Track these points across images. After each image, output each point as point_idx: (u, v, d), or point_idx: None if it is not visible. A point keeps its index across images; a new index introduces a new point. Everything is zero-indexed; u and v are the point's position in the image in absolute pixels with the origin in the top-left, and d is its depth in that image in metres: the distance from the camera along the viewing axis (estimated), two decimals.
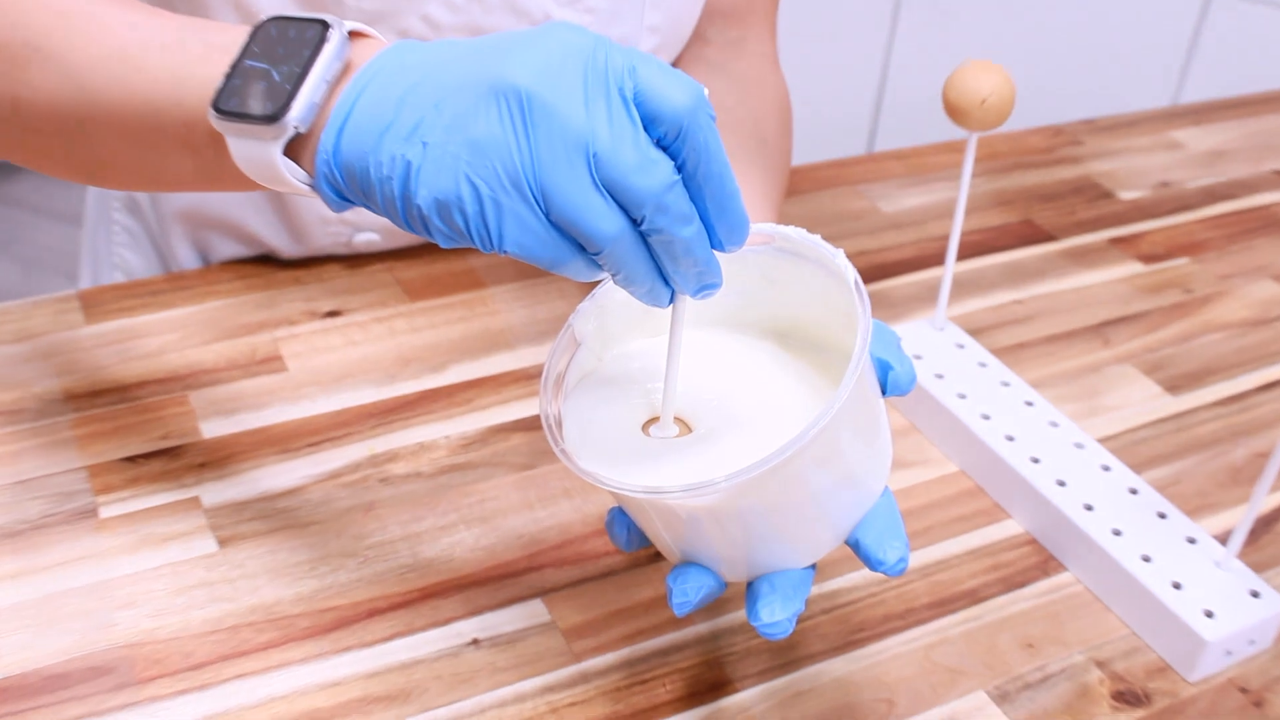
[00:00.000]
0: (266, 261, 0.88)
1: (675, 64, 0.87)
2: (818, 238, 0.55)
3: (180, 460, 0.71)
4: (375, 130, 0.47)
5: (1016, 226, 1.01)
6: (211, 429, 0.73)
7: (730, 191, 0.48)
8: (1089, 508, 0.70)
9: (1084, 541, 0.68)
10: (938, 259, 0.95)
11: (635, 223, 0.47)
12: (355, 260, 0.89)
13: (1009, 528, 0.72)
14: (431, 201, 0.46)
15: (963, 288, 0.92)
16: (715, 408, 0.55)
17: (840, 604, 0.66)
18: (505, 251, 0.47)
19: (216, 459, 0.71)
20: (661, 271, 0.49)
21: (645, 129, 0.46)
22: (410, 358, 0.80)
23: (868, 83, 1.54)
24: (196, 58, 0.52)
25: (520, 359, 0.81)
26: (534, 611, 0.64)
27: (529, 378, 0.79)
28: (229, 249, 0.89)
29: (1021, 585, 0.69)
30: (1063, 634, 0.66)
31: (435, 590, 0.65)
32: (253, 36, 0.51)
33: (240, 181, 0.52)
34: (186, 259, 0.90)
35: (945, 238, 0.96)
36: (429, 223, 0.47)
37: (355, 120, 0.48)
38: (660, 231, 0.47)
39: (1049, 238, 1.00)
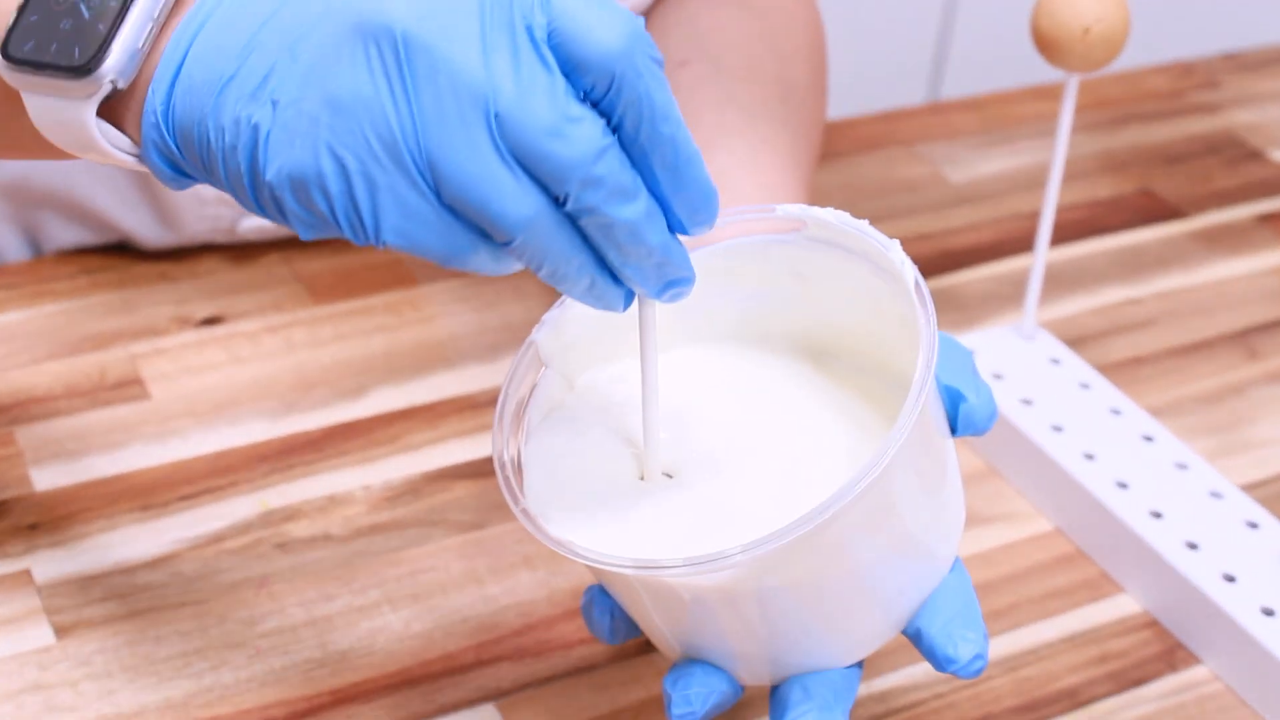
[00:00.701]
0: (121, 251, 0.88)
1: None
2: (865, 223, 0.55)
3: (4, 520, 0.71)
4: (214, 84, 0.47)
5: (1132, 199, 1.02)
6: (46, 478, 0.73)
7: (687, 156, 0.47)
8: (1230, 579, 0.70)
9: (1224, 624, 0.69)
10: (1025, 244, 0.95)
11: (559, 201, 0.47)
12: (242, 251, 0.89)
13: (1122, 606, 0.73)
14: (284, 178, 0.46)
15: (1059, 282, 0.93)
16: (729, 452, 0.56)
17: (896, 708, 0.67)
18: (385, 243, 0.47)
19: (54, 519, 0.71)
20: (608, 266, 0.49)
21: (567, 78, 0.46)
22: (316, 380, 0.81)
23: (930, 7, 1.54)
24: None
25: (464, 381, 0.81)
26: None
27: (477, 406, 0.80)
28: (69, 234, 0.89)
29: (1139, 683, 0.69)
30: None
31: (352, 693, 0.65)
32: None
33: (47, 149, 0.52)
34: (11, 248, 0.89)
35: (1035, 215, 0.97)
36: (283, 206, 0.47)
37: (189, 71, 0.47)
38: (592, 212, 0.47)
39: (1176, 214, 1.00)
